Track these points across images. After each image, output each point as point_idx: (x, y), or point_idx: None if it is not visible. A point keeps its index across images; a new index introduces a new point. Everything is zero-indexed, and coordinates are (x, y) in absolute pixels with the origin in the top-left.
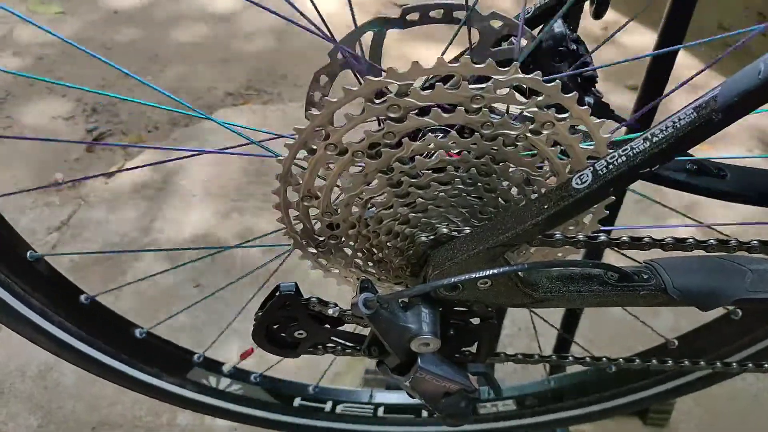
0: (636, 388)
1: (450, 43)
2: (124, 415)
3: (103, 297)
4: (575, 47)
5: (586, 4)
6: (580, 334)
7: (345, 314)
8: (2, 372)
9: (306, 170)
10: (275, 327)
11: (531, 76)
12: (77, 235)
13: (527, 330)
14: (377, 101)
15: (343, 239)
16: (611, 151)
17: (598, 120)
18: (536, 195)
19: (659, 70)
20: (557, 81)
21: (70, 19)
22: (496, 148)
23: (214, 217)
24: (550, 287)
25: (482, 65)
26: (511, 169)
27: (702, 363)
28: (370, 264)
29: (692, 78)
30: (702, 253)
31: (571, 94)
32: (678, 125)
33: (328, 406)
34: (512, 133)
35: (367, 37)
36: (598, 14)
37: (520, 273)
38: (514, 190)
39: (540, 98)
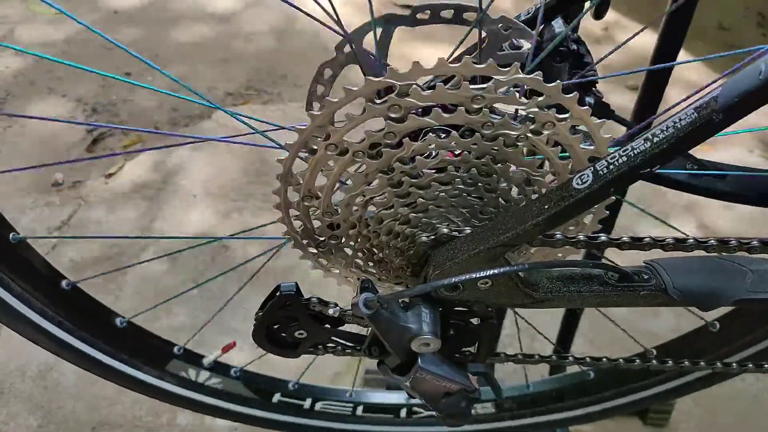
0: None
1: (459, 45)
2: (124, 415)
3: (103, 297)
4: (576, 47)
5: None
6: (580, 334)
7: (345, 314)
8: (2, 372)
9: (306, 170)
10: (276, 327)
11: (532, 76)
12: (77, 234)
13: (527, 330)
14: (378, 101)
15: (343, 239)
16: (612, 151)
17: (599, 120)
18: (537, 195)
19: (660, 70)
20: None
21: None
22: (496, 148)
23: (215, 216)
24: (550, 287)
25: (483, 65)
26: (511, 170)
27: (702, 363)
28: (371, 264)
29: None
30: (702, 253)
31: (571, 95)
32: (679, 125)
33: (307, 403)
34: (513, 133)
35: (369, 37)
36: (598, 14)
37: (520, 273)
38: (514, 191)
39: (541, 99)
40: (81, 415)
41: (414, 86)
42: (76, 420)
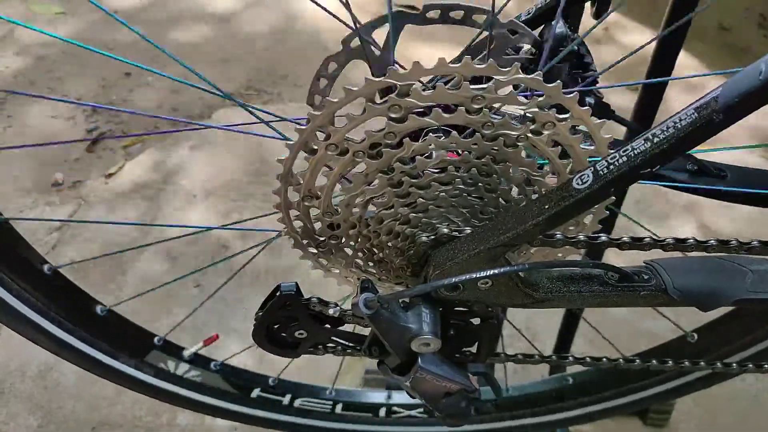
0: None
1: (469, 46)
2: (124, 415)
3: (103, 296)
4: (576, 48)
5: (587, 4)
6: (580, 333)
7: (345, 314)
8: (2, 372)
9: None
10: (276, 327)
11: (532, 76)
12: (77, 235)
13: (527, 330)
14: (379, 101)
15: (343, 239)
16: (612, 151)
17: (599, 120)
18: (537, 195)
19: (660, 71)
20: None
21: (71, 19)
22: (496, 148)
23: (215, 217)
24: (550, 287)
25: (483, 65)
26: (511, 170)
27: (702, 363)
28: (371, 264)
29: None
30: (702, 253)
31: (571, 95)
32: (679, 126)
33: (286, 399)
34: (513, 133)
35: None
36: (598, 14)
37: (520, 273)
38: (514, 191)
39: (541, 99)
40: (81, 415)
41: (414, 86)
42: (76, 420)
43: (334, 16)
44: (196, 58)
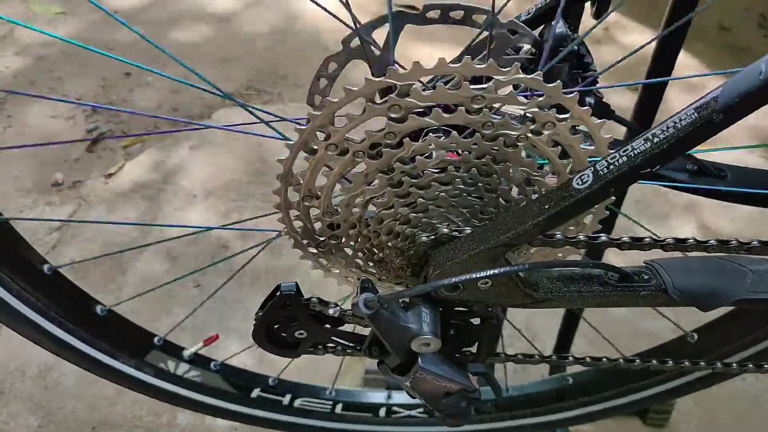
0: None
1: (468, 47)
2: (124, 415)
3: (103, 296)
4: (576, 47)
5: (587, 4)
6: (580, 333)
7: (345, 314)
8: (2, 372)
9: (307, 170)
10: (276, 327)
11: (532, 76)
12: (77, 235)
13: (527, 330)
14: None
15: (343, 239)
16: (612, 151)
17: (599, 120)
18: (537, 195)
19: (660, 71)
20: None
21: (71, 19)
22: (496, 148)
23: (215, 217)
24: (550, 287)
25: (483, 65)
26: (511, 170)
27: (702, 363)
28: (371, 264)
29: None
30: (702, 253)
31: (571, 95)
32: (679, 126)
33: (286, 399)
34: (513, 133)
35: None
36: (598, 14)
37: (520, 273)
38: (514, 191)
39: (541, 98)
40: (81, 415)
41: (414, 86)
42: (77, 420)
43: (334, 16)
44: (197, 58)
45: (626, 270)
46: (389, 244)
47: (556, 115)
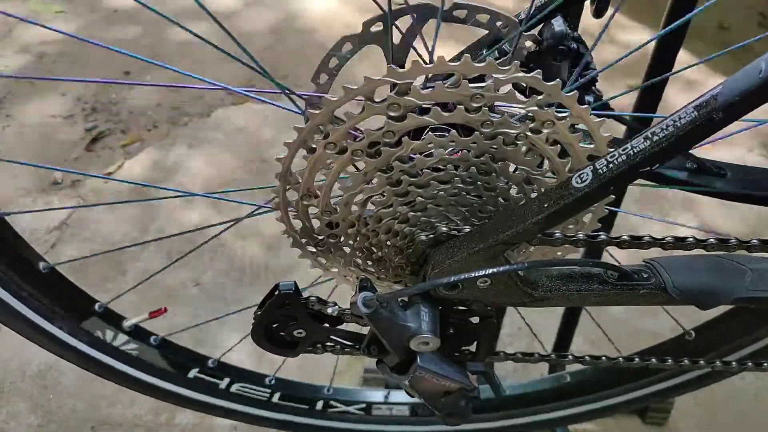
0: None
1: (489, 53)
2: (123, 414)
3: (102, 296)
4: (576, 46)
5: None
6: (579, 332)
7: (344, 313)
8: (2, 371)
9: (305, 169)
10: (274, 326)
11: (532, 74)
12: (77, 234)
13: (527, 329)
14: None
15: (342, 238)
16: (611, 149)
17: (598, 119)
18: (536, 194)
19: (659, 69)
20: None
21: (71, 18)
22: (495, 146)
23: (214, 216)
24: (549, 286)
25: (482, 64)
26: (511, 168)
27: (702, 362)
28: (370, 263)
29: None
30: (702, 251)
31: (571, 93)
32: (678, 124)
33: (224, 383)
34: (512, 131)
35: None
36: (598, 13)
37: (520, 272)
38: (514, 189)
39: (540, 97)
40: (81, 414)
41: (413, 85)
42: (76, 419)
43: None
44: (196, 57)
45: (625, 268)
46: (388, 242)
47: (556, 113)
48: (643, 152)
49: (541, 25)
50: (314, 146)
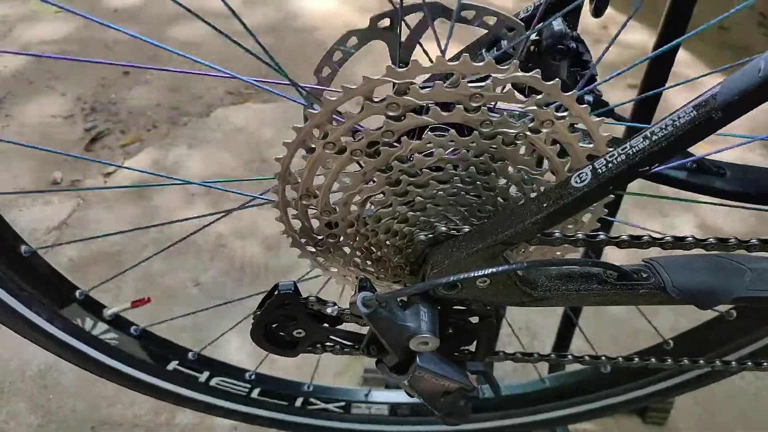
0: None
1: (496, 55)
2: (123, 414)
3: (102, 296)
4: (575, 45)
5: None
6: (579, 332)
7: (344, 313)
8: (2, 371)
9: (305, 169)
10: (274, 326)
11: (531, 74)
12: (77, 234)
13: (527, 329)
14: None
15: (341, 238)
16: (611, 149)
17: (598, 118)
18: (535, 193)
19: (659, 68)
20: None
21: (71, 18)
22: (495, 146)
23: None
24: (549, 286)
25: (481, 63)
26: (510, 168)
27: (701, 362)
28: (369, 263)
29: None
30: (701, 251)
31: (570, 93)
32: (677, 123)
33: (203, 376)
34: (511, 131)
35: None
36: (597, 12)
37: (519, 272)
38: (513, 189)
39: (539, 97)
40: (81, 414)
41: (413, 84)
42: (76, 419)
43: None
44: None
45: (625, 268)
46: (387, 242)
47: (555, 113)
48: (642, 152)
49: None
50: (313, 146)
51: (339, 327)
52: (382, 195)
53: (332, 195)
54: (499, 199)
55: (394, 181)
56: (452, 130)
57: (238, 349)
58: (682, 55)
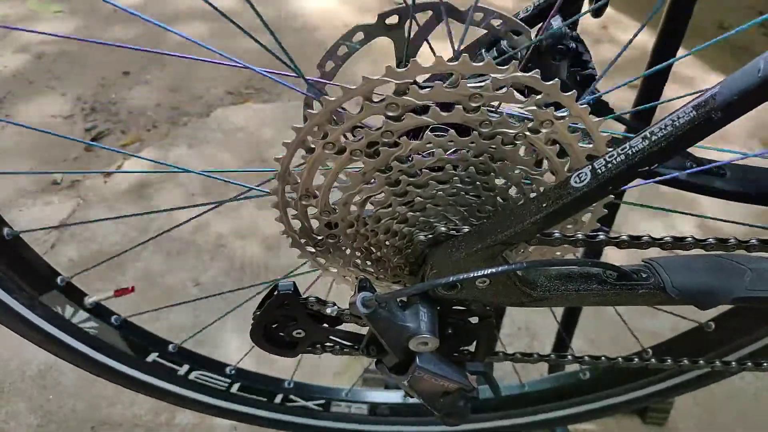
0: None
1: (504, 57)
2: (123, 414)
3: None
4: (575, 45)
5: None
6: (579, 332)
7: (343, 313)
8: (2, 371)
9: (304, 169)
10: (273, 326)
11: (530, 74)
12: (76, 234)
13: (527, 329)
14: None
15: (341, 238)
16: (610, 149)
17: (597, 119)
18: (535, 193)
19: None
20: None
21: (70, 17)
22: (494, 146)
23: (213, 214)
24: (548, 286)
25: (481, 63)
26: (509, 168)
27: (701, 362)
28: (369, 263)
29: None
30: (701, 251)
31: (569, 93)
32: (677, 124)
33: (183, 369)
34: (511, 131)
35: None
36: (597, 12)
37: (518, 272)
38: (512, 189)
39: (539, 97)
40: (81, 414)
41: (412, 85)
42: (76, 419)
43: None
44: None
45: (625, 268)
46: (387, 242)
47: (554, 113)
48: (642, 152)
49: (539, 25)
50: (313, 146)
51: (339, 327)
52: (381, 195)
53: (332, 195)
54: (498, 199)
55: (393, 182)
56: (452, 131)
57: (238, 349)
58: (681, 53)
